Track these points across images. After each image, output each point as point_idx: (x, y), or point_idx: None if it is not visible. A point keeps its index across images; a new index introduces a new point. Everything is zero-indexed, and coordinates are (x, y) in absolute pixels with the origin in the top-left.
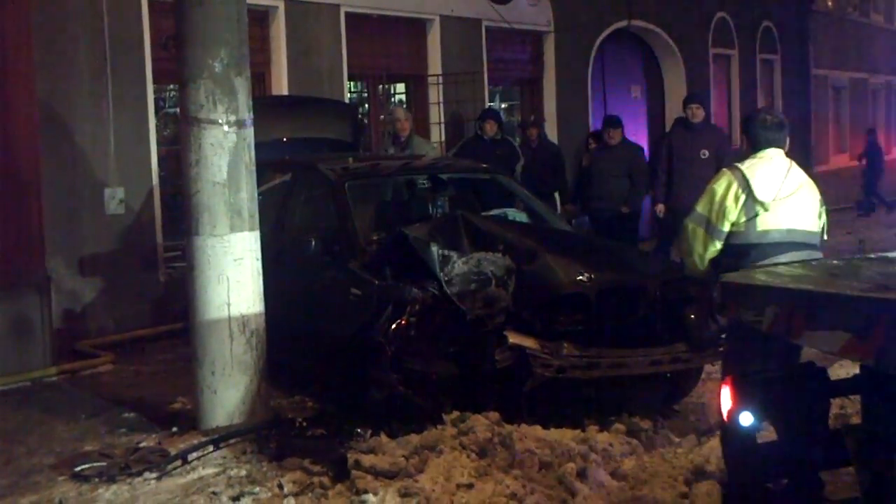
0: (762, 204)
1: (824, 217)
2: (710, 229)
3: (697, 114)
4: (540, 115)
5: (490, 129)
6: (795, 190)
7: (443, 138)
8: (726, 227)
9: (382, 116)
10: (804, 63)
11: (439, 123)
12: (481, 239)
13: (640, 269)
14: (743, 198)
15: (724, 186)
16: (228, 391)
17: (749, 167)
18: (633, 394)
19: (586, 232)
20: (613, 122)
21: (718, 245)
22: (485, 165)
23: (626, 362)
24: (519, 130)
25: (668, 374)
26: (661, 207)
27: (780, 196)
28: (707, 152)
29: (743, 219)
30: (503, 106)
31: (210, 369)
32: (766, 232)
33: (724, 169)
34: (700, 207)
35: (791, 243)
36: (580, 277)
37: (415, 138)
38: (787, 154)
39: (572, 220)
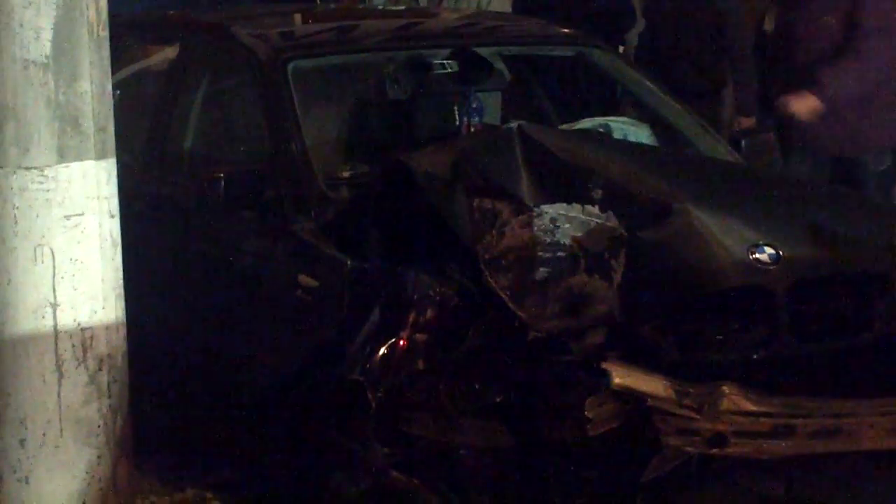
0: None
1: None
2: None
3: None
4: None
5: None
6: None
7: None
8: None
9: None
10: None
11: None
12: (559, 177)
13: (878, 237)
14: None
15: None
16: (54, 478)
17: None
18: (862, 492)
19: (770, 165)
20: None
21: None
22: (566, 30)
23: (849, 426)
24: None
25: None
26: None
27: None
28: (833, 18)
29: None
30: None
31: (17, 435)
32: None
33: None
34: None
35: None
36: (757, 255)
37: None
38: None
39: (743, 142)
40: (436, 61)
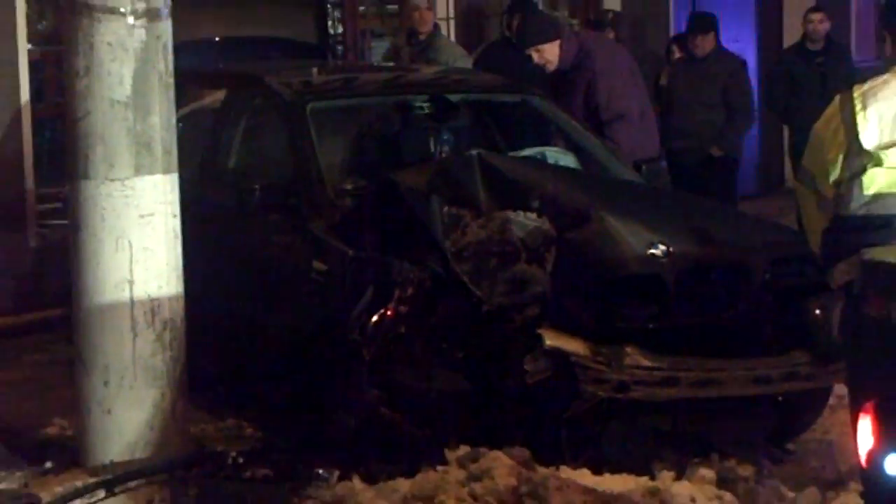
0: (868, 153)
1: None
2: (817, 191)
3: (820, 29)
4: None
5: None
6: None
7: None
8: (828, 188)
9: (363, 8)
10: None
11: (447, 20)
12: (507, 191)
13: (741, 239)
14: (844, 142)
15: (823, 122)
16: (129, 411)
17: (869, 89)
18: (727, 426)
19: (662, 183)
20: (704, 23)
21: (821, 215)
22: (514, 82)
23: (719, 378)
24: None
25: (780, 398)
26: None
27: None
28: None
29: (846, 174)
30: None
31: (102, 378)
32: (876, 198)
33: (838, 94)
34: (805, 158)
35: None
36: (653, 251)
37: (440, 38)
38: None
39: (643, 167)
40: (416, 104)
